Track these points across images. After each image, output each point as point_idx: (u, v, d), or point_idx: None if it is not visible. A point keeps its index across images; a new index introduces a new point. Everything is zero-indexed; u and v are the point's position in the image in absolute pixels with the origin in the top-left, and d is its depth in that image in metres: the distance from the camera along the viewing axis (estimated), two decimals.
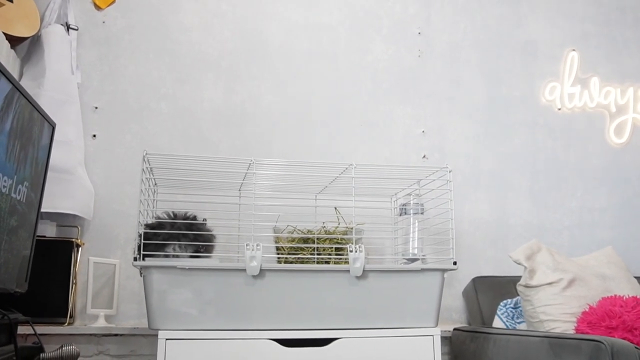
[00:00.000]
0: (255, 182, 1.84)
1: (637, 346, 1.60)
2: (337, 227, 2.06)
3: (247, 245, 1.69)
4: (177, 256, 1.74)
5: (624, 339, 1.72)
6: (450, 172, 1.91)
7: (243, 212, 2.06)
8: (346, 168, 1.91)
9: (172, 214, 1.83)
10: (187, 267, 1.68)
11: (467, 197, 2.60)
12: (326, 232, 2.01)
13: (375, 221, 2.10)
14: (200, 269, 1.70)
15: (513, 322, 2.20)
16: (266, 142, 2.45)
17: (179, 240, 1.75)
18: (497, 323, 2.22)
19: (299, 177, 1.96)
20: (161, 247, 1.73)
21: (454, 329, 2.31)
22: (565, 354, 1.69)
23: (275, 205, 1.97)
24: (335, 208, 2.14)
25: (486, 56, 2.75)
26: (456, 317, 2.49)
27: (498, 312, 2.24)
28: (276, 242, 2.03)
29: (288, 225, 2.06)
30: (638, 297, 1.94)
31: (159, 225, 1.78)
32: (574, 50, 2.83)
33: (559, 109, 2.78)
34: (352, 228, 1.86)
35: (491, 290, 2.35)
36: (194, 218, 1.84)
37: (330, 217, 2.12)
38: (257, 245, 1.70)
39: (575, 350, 1.66)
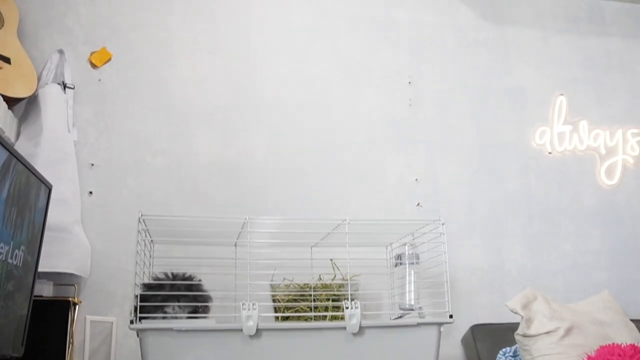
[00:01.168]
0: (250, 240, 1.85)
1: None
2: (334, 279, 2.07)
3: (242, 304, 1.69)
4: (176, 317, 1.74)
5: None
6: (443, 224, 1.93)
7: (239, 265, 2.06)
8: (339, 224, 1.92)
9: (170, 275, 1.83)
10: (183, 329, 1.68)
11: (462, 244, 2.61)
12: (322, 285, 2.02)
13: (371, 271, 2.11)
14: (197, 330, 1.69)
15: None
16: (261, 194, 2.46)
17: (178, 301, 1.76)
18: None
19: (294, 233, 1.98)
20: (159, 307, 1.74)
21: None
22: None
23: (271, 260, 1.98)
24: (331, 260, 2.15)
25: (476, 103, 2.79)
26: None
27: None
28: (273, 297, 2.04)
29: (284, 279, 2.06)
30: (636, 344, 1.94)
31: (157, 286, 1.79)
32: (562, 94, 2.89)
33: (550, 153, 2.82)
34: (347, 281, 1.87)
35: (490, 338, 2.34)
36: (191, 278, 1.85)
37: (326, 268, 2.13)
38: (253, 305, 1.70)
39: None
